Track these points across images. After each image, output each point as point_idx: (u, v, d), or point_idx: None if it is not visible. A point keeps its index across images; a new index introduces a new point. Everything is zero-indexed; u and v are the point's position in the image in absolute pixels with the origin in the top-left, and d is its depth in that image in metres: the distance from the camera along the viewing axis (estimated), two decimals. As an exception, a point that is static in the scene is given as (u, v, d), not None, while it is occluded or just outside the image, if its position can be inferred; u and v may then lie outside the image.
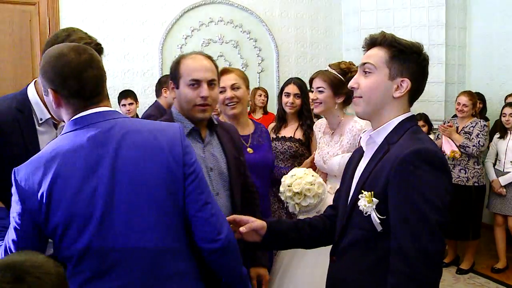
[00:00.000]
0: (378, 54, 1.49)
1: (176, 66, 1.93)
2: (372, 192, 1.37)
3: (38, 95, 1.75)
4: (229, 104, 2.51)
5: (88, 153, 1.33)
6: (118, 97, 4.72)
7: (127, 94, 4.70)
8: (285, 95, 3.24)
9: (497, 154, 4.57)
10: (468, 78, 5.77)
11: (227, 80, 2.52)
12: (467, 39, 5.74)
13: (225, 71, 2.58)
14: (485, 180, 4.51)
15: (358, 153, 1.64)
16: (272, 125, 3.42)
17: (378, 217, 1.35)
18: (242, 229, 1.60)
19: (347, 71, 2.53)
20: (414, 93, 1.52)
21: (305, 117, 3.21)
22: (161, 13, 5.47)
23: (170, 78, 1.96)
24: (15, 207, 1.33)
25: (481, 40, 5.62)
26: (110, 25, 5.22)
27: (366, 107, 1.51)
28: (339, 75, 2.53)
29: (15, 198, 1.34)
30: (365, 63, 1.51)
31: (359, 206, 1.40)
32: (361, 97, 1.51)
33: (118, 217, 1.32)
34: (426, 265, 1.25)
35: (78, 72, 1.35)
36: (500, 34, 5.41)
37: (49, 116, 1.75)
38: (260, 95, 5.46)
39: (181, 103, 1.92)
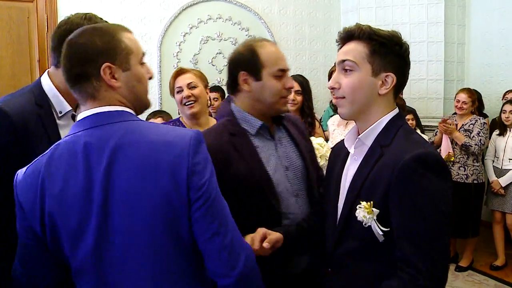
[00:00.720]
0: (357, 49, 1.36)
1: (253, 55, 1.70)
2: (372, 202, 1.27)
3: (55, 87, 1.62)
4: (187, 104, 2.49)
5: (82, 164, 1.16)
6: None
7: None
8: (286, 92, 3.24)
9: (495, 151, 4.57)
10: (467, 76, 5.77)
11: (184, 80, 2.52)
12: (466, 36, 5.73)
13: (181, 72, 2.58)
14: (484, 177, 4.51)
15: (342, 154, 1.51)
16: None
17: (381, 229, 1.25)
18: (265, 244, 1.46)
19: None
20: (399, 87, 1.40)
21: (307, 114, 3.21)
22: (160, 11, 5.45)
23: (244, 69, 1.71)
24: (17, 214, 1.22)
25: (480, 37, 5.61)
26: (109, 22, 5.19)
27: (351, 108, 1.39)
28: None
29: (16, 204, 1.22)
30: (344, 60, 1.38)
31: (357, 217, 1.29)
32: (344, 97, 1.39)
33: (113, 246, 1.16)
34: (441, 274, 1.23)
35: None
36: (499, 31, 5.40)
37: (70, 108, 1.64)
38: (259, 93, 5.44)
39: (263, 97, 1.70)
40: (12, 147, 1.44)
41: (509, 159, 4.40)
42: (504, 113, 4.45)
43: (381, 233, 1.26)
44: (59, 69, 1.59)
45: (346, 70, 1.37)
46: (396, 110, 1.41)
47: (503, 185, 4.39)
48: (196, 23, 5.61)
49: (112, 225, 1.14)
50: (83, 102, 1.22)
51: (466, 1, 5.70)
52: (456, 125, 4.48)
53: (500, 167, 4.47)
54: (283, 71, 1.71)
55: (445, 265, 1.25)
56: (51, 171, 1.17)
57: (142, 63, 1.27)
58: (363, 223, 1.28)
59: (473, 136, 4.31)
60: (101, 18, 1.67)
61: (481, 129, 4.31)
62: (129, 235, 1.15)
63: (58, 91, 1.63)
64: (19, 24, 5.01)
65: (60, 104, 1.63)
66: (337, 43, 1.44)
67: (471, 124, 4.38)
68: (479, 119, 4.39)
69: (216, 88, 4.87)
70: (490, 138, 4.60)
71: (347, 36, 1.40)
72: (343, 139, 1.52)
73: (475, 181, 4.36)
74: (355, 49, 1.36)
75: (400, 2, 5.61)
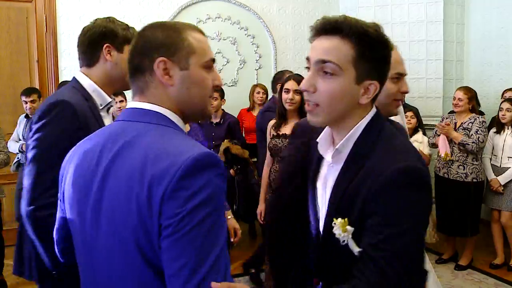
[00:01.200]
0: (342, 50, 1.15)
1: None
2: (347, 219, 1.14)
3: (94, 83, 1.79)
4: None
5: (97, 155, 1.11)
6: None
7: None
8: (284, 92, 3.24)
9: (492, 149, 4.57)
10: (466, 74, 5.77)
11: None
12: (465, 35, 5.74)
13: None
14: (484, 176, 4.51)
15: (314, 156, 1.39)
16: (272, 122, 3.42)
17: (356, 249, 1.13)
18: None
19: None
20: (379, 92, 1.24)
21: (305, 114, 3.21)
22: (159, 10, 5.45)
23: None
24: None
25: (479, 36, 5.62)
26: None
27: (326, 117, 1.21)
28: None
29: None
30: (325, 61, 1.16)
31: (335, 234, 1.16)
32: (318, 105, 1.19)
33: (98, 260, 1.09)
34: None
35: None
36: (498, 29, 5.41)
37: (110, 99, 1.81)
38: (259, 92, 5.44)
39: (380, 98, 1.72)
40: (78, 132, 1.55)
41: (508, 157, 4.41)
42: (500, 111, 4.46)
43: (356, 253, 1.13)
44: (92, 68, 1.80)
45: (326, 73, 1.17)
46: (373, 110, 1.26)
47: (502, 183, 4.39)
48: (195, 23, 5.61)
49: (100, 224, 1.07)
50: (133, 95, 1.17)
51: (465, 0, 5.71)
52: (455, 123, 4.48)
53: (499, 165, 4.47)
54: (401, 75, 1.72)
55: None
56: (78, 154, 1.16)
57: (207, 68, 1.17)
58: (341, 241, 1.15)
59: (472, 134, 4.31)
60: (120, 21, 1.87)
61: (479, 127, 4.31)
62: (112, 240, 1.04)
63: (98, 86, 1.80)
64: (18, 24, 5.02)
65: (101, 97, 1.80)
66: (312, 32, 1.21)
67: (470, 122, 4.38)
68: (478, 117, 4.39)
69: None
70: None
71: (331, 29, 1.16)
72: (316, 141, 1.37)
73: (474, 180, 4.36)
74: (340, 49, 1.15)
75: (399, 1, 5.61)
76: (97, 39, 1.77)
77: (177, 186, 0.95)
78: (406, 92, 1.74)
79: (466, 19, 5.71)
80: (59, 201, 1.25)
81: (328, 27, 1.16)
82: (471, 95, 4.47)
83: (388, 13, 5.66)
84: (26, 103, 4.43)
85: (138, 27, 4.39)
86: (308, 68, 1.22)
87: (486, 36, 5.54)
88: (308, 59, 1.21)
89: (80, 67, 1.84)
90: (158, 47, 1.11)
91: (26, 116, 4.55)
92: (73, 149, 1.21)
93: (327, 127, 1.30)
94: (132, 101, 1.15)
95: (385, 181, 1.10)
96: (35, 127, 1.63)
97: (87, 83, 1.78)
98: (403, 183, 1.10)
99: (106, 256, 1.06)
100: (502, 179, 4.39)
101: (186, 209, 0.94)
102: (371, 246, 1.09)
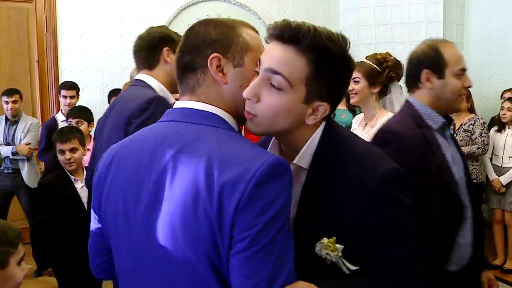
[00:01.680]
0: (296, 65, 1.02)
1: (437, 54, 1.76)
2: (334, 238, 1.04)
3: (161, 83, 1.93)
4: None
5: (147, 158, 1.02)
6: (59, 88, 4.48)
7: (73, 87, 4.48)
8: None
9: (493, 149, 4.57)
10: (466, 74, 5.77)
11: None
12: (464, 36, 5.74)
13: None
14: (483, 176, 4.51)
15: None
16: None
17: (347, 267, 1.05)
18: None
19: (383, 60, 2.51)
20: (329, 113, 1.12)
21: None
22: (158, 11, 5.45)
23: (428, 67, 1.76)
24: None
25: (478, 37, 5.62)
26: (108, 22, 5.20)
27: (265, 129, 1.09)
28: (374, 65, 2.51)
29: None
30: (274, 71, 1.02)
31: (317, 254, 1.06)
32: (257, 116, 1.06)
33: (152, 272, 1.00)
34: None
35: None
36: (498, 30, 5.41)
37: (174, 101, 1.88)
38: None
39: (443, 94, 1.75)
40: None
41: (509, 157, 4.41)
42: (502, 109, 4.48)
43: (348, 272, 1.05)
44: (153, 70, 1.94)
45: (272, 85, 1.04)
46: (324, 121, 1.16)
47: (504, 184, 4.39)
48: (195, 23, 5.62)
49: (156, 234, 0.98)
50: (182, 94, 1.09)
51: (465, 0, 5.71)
52: (454, 124, 4.49)
53: (500, 165, 4.47)
54: (464, 70, 1.77)
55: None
56: (121, 157, 1.08)
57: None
58: (327, 261, 1.06)
59: (476, 138, 4.32)
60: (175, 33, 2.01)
61: (482, 130, 4.32)
62: (173, 252, 0.96)
63: (164, 86, 1.93)
64: (18, 24, 5.02)
65: (168, 96, 1.92)
66: (268, 33, 1.08)
67: (471, 124, 4.38)
68: (478, 118, 4.40)
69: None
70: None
71: (289, 38, 1.03)
72: None
73: (474, 180, 4.34)
74: (294, 64, 1.02)
75: (398, 2, 5.61)
76: (158, 42, 1.94)
77: (253, 194, 0.88)
78: (470, 87, 1.78)
79: (466, 20, 5.72)
80: (92, 210, 1.16)
81: (286, 36, 1.03)
82: (468, 94, 4.49)
83: (388, 13, 5.67)
84: (8, 103, 4.35)
85: (138, 28, 4.42)
86: (257, 72, 1.08)
87: (486, 37, 5.54)
88: (259, 61, 1.07)
89: (140, 71, 1.97)
90: (211, 44, 1.05)
91: (6, 119, 4.45)
92: (110, 151, 1.12)
93: (273, 139, 1.21)
94: (180, 100, 1.09)
95: (371, 192, 1.03)
96: (136, 121, 1.73)
97: (155, 84, 1.92)
98: (391, 189, 1.05)
99: (164, 268, 0.98)
100: (504, 179, 4.39)
101: (263, 221, 0.87)
102: (384, 259, 1.05)
